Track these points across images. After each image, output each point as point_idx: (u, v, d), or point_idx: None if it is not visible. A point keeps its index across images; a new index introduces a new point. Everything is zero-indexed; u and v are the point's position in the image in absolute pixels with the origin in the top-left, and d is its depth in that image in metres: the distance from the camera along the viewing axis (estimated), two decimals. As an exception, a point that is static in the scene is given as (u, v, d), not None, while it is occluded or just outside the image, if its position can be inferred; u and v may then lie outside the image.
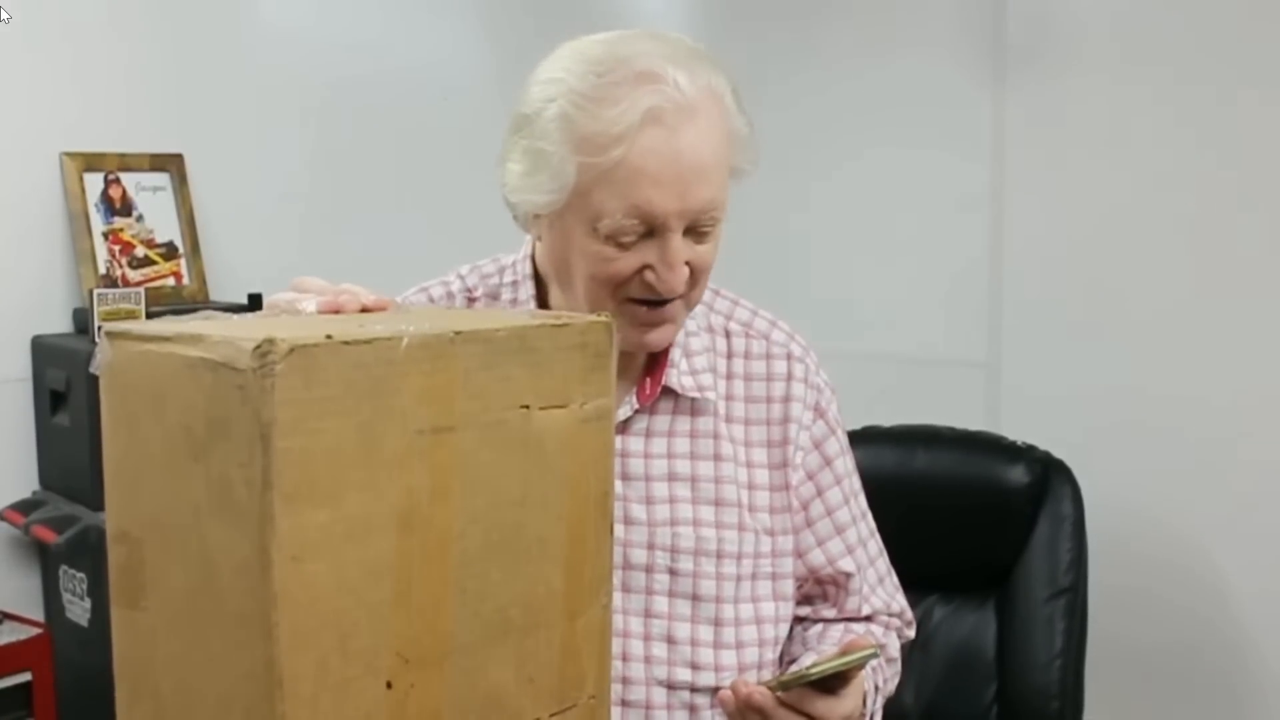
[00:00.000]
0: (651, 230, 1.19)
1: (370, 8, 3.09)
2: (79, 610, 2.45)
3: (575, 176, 1.18)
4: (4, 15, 2.39)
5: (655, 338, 1.27)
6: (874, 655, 1.15)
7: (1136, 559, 2.65)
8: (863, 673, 1.22)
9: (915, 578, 1.49)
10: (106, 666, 0.87)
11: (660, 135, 1.16)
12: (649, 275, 1.21)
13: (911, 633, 1.48)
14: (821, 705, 1.16)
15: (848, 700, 1.17)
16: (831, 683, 1.15)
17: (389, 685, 0.82)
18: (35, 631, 2.42)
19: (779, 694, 1.15)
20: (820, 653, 1.31)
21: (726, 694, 1.16)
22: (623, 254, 1.20)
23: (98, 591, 2.37)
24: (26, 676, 2.37)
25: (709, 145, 1.19)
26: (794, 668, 1.28)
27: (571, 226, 1.22)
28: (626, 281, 1.22)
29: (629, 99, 1.16)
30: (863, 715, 1.27)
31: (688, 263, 1.22)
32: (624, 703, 1.27)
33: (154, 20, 2.70)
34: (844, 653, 1.15)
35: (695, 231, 1.21)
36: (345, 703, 0.80)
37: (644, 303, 1.24)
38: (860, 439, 1.43)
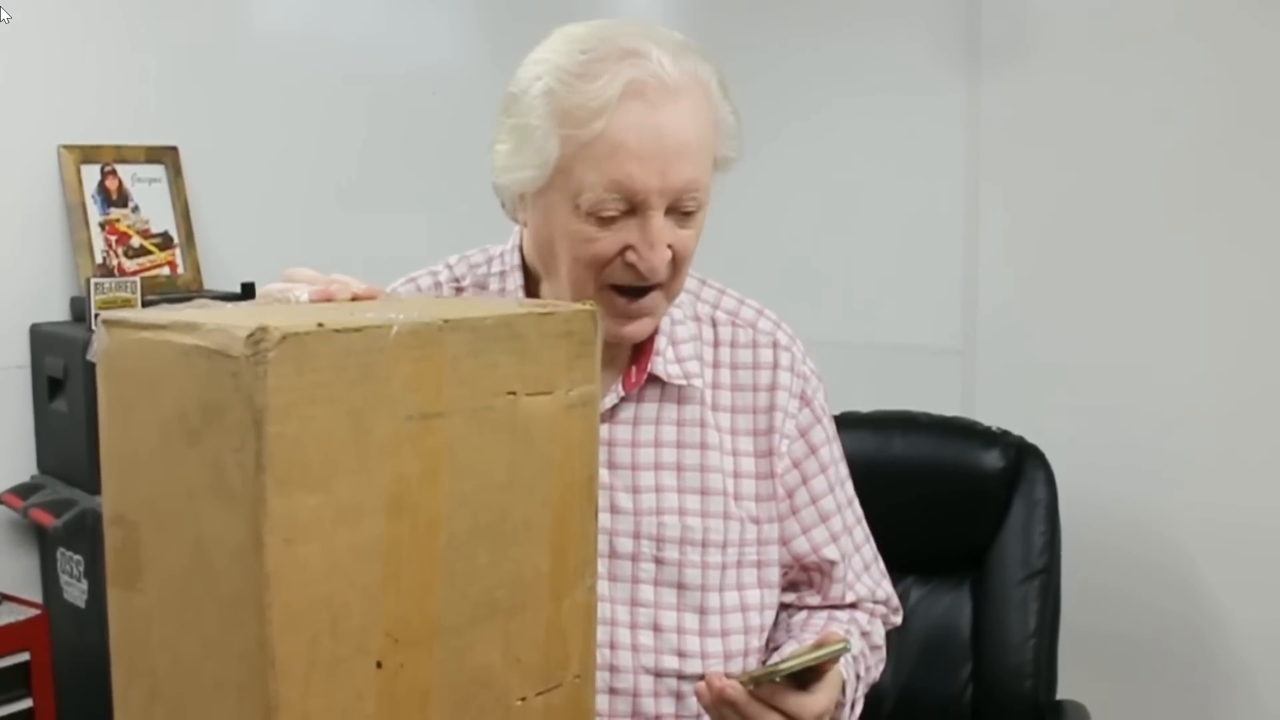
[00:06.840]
0: (633, 208, 1.18)
1: (365, 3, 3.10)
2: (76, 592, 2.46)
3: (558, 150, 1.18)
4: (4, 15, 2.40)
5: (632, 330, 1.26)
6: (844, 650, 1.14)
7: (1106, 542, 2.67)
8: (839, 665, 1.21)
9: (892, 560, 1.49)
10: (103, 646, 0.88)
11: (641, 110, 1.16)
12: (630, 255, 1.19)
13: (898, 619, 1.48)
14: (794, 701, 1.14)
15: (821, 695, 1.16)
16: (805, 677, 1.14)
17: (379, 665, 0.83)
18: (33, 612, 2.44)
19: (751, 689, 1.13)
20: (802, 641, 1.30)
21: (701, 687, 1.15)
22: (604, 233, 1.19)
23: (94, 573, 2.38)
24: (25, 656, 2.39)
25: (691, 125, 1.18)
26: (771, 659, 1.27)
27: (555, 205, 1.21)
28: (609, 263, 1.20)
29: (610, 73, 1.16)
30: (840, 705, 1.26)
31: (669, 246, 1.20)
32: (612, 690, 1.27)
33: (150, 15, 2.71)
34: (816, 647, 1.14)
35: (677, 213, 1.20)
36: (336, 682, 0.81)
37: (625, 291, 1.22)
38: (838, 424, 1.43)
